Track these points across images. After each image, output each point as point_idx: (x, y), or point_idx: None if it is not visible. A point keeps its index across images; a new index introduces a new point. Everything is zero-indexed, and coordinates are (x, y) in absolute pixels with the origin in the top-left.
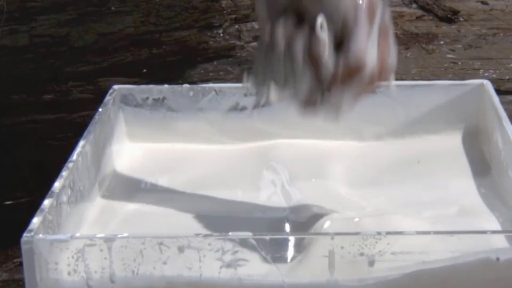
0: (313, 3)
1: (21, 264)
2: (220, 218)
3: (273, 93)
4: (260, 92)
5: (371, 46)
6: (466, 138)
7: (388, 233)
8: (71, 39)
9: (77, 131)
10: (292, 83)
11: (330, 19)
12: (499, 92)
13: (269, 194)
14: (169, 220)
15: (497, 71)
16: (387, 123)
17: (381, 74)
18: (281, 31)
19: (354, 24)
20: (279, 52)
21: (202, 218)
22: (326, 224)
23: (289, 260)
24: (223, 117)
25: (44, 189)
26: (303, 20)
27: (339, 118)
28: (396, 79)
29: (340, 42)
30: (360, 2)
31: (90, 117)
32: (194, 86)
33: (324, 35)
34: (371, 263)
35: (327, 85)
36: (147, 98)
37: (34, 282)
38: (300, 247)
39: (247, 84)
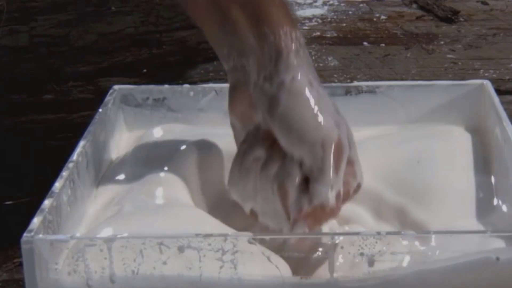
0: (283, 140)
1: (21, 264)
2: (221, 218)
3: (247, 207)
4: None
5: (335, 187)
6: (466, 139)
7: (388, 233)
8: (71, 39)
9: (77, 131)
10: (260, 203)
11: (298, 155)
12: (499, 92)
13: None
14: (170, 220)
15: (497, 71)
16: (387, 123)
17: (347, 197)
18: (252, 157)
19: (320, 170)
20: (249, 175)
21: (203, 218)
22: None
23: (289, 260)
24: (223, 117)
25: (44, 189)
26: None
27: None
28: (396, 79)
29: (306, 178)
30: (330, 145)
31: (90, 117)
32: (195, 86)
33: (293, 174)
34: (371, 263)
35: (292, 215)
36: (147, 98)
37: (34, 282)
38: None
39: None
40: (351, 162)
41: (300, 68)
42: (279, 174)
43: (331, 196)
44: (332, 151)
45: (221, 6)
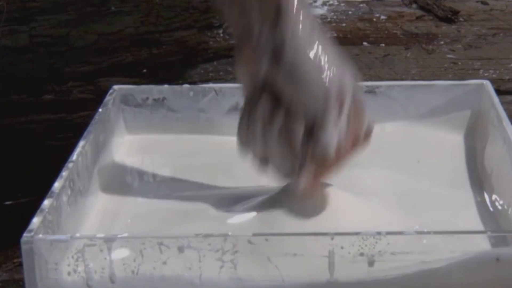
0: (287, 93)
1: (21, 264)
2: (221, 218)
3: (254, 163)
4: (245, 155)
5: (338, 134)
6: (466, 139)
7: (388, 233)
8: (71, 39)
9: (77, 131)
10: (270, 157)
11: (301, 108)
12: (499, 92)
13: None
14: (170, 221)
15: (497, 71)
16: (387, 123)
17: (354, 148)
18: (259, 112)
19: (322, 118)
20: (256, 131)
21: (203, 219)
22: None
23: (288, 259)
24: (223, 117)
25: (44, 189)
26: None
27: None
28: (396, 79)
29: (311, 127)
30: (331, 96)
31: (90, 117)
32: (194, 86)
33: (298, 126)
34: (371, 263)
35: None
36: (147, 98)
37: (34, 282)
38: (300, 246)
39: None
40: (357, 106)
41: (303, 17)
42: (286, 122)
43: (332, 142)
44: (334, 98)
45: None
